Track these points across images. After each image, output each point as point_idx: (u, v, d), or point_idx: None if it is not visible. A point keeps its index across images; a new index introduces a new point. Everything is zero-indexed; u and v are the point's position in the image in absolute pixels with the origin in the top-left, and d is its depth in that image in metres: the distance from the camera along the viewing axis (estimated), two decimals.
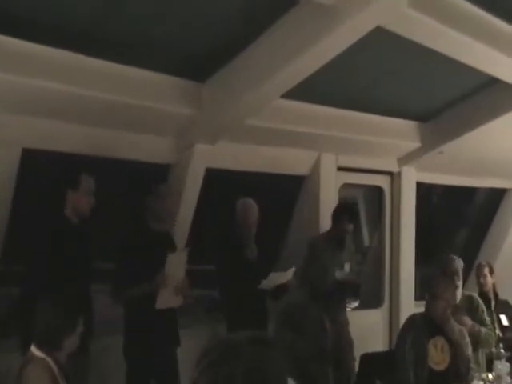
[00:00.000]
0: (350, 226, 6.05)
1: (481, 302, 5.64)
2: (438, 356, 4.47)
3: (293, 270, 5.36)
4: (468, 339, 4.60)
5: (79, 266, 4.38)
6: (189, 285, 4.82)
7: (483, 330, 5.28)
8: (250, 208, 5.49)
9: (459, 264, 5.29)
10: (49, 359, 3.37)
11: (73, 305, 3.55)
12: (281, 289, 5.28)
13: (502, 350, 4.72)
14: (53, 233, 4.33)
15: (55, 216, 4.50)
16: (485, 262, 6.54)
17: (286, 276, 5.33)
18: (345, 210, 6.07)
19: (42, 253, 4.24)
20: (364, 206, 7.83)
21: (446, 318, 4.63)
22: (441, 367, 4.48)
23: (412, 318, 4.78)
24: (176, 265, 4.68)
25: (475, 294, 5.78)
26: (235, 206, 5.57)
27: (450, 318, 4.67)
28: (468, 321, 5.30)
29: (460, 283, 5.22)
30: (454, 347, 4.50)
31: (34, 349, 3.40)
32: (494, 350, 5.11)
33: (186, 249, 4.99)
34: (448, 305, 4.67)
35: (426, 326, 4.63)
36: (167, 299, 4.67)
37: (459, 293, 5.24)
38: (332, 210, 6.14)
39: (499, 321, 6.02)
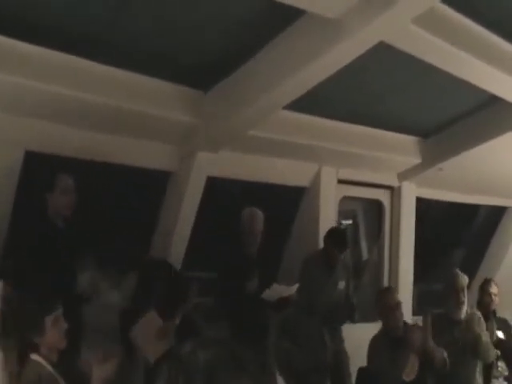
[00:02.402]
0: (340, 253, 5.95)
1: (482, 318, 5.62)
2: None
3: (297, 286, 5.40)
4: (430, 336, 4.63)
5: (63, 269, 4.35)
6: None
7: (484, 338, 5.27)
8: (257, 217, 5.56)
9: (464, 280, 5.33)
10: (41, 360, 3.41)
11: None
12: (282, 302, 5.32)
13: (499, 369, 4.73)
14: (37, 235, 4.37)
15: (40, 218, 4.53)
16: (494, 281, 6.52)
17: (289, 290, 5.38)
18: (333, 240, 5.90)
19: (24, 254, 4.27)
20: (363, 220, 7.85)
21: (403, 327, 4.68)
22: (411, 377, 4.53)
23: (375, 340, 4.83)
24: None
25: (477, 312, 5.74)
26: (239, 215, 5.61)
27: (410, 326, 4.72)
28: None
29: (465, 299, 5.25)
30: (421, 353, 4.55)
31: (32, 355, 3.44)
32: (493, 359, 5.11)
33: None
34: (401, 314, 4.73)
35: (389, 341, 4.67)
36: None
37: (464, 310, 5.28)
38: (324, 235, 6.03)
39: (495, 337, 6.01)
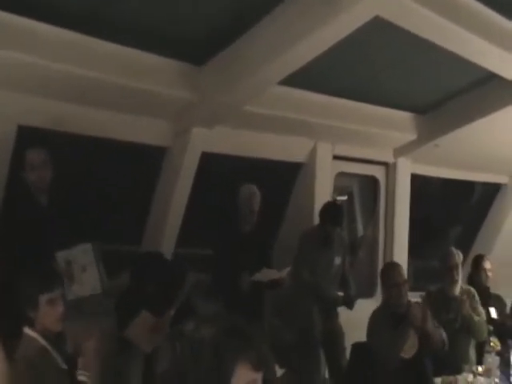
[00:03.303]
0: (335, 228, 5.98)
1: (476, 294, 5.63)
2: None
3: (287, 270, 5.41)
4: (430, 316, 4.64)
5: (43, 249, 4.29)
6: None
7: (476, 318, 5.30)
8: (254, 195, 5.57)
9: (459, 257, 5.32)
10: (36, 335, 3.41)
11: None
12: (274, 283, 5.33)
13: (492, 344, 4.75)
14: (21, 211, 4.34)
15: (24, 194, 4.48)
16: (487, 257, 6.52)
17: (279, 274, 5.39)
18: (329, 215, 5.93)
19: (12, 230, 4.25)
20: (359, 196, 7.86)
21: (407, 304, 4.68)
22: (410, 354, 4.55)
23: (376, 315, 4.83)
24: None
25: (471, 288, 5.75)
26: (234, 191, 5.61)
27: (411, 304, 4.72)
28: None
29: (459, 277, 5.26)
30: (420, 332, 4.56)
31: (25, 329, 3.44)
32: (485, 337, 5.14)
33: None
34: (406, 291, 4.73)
35: (390, 317, 4.67)
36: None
37: (458, 286, 5.29)
38: (319, 210, 6.04)
39: (488, 314, 6.04)
